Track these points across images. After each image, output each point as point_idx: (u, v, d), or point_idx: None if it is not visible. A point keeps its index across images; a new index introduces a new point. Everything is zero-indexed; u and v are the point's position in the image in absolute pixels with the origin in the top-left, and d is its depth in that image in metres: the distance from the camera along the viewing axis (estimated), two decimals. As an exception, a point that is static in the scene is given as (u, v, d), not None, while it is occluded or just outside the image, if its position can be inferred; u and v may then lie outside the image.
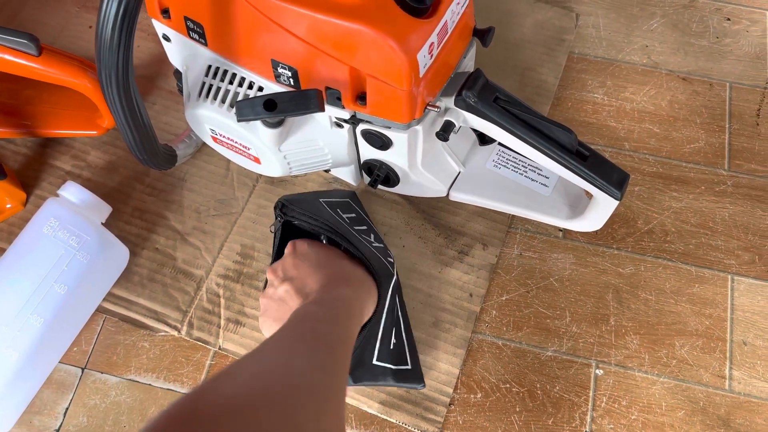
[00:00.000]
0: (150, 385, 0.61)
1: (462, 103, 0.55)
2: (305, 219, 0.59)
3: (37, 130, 0.69)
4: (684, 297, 0.64)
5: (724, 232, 0.67)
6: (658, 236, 0.67)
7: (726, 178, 0.70)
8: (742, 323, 0.63)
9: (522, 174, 0.64)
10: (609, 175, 0.55)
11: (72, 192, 0.61)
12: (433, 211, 0.67)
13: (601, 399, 0.60)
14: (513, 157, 0.65)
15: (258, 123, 0.55)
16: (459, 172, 0.64)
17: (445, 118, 0.55)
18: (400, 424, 0.58)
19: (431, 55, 0.50)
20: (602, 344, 0.62)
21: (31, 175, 0.69)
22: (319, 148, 0.59)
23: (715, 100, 0.75)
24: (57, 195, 0.61)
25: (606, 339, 0.62)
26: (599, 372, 0.61)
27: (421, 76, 0.50)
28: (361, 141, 0.58)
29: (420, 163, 0.60)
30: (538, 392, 0.60)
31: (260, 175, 0.69)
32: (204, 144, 0.70)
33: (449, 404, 0.59)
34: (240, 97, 0.56)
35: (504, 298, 0.64)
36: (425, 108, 0.54)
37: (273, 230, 0.61)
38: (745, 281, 0.65)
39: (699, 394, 0.60)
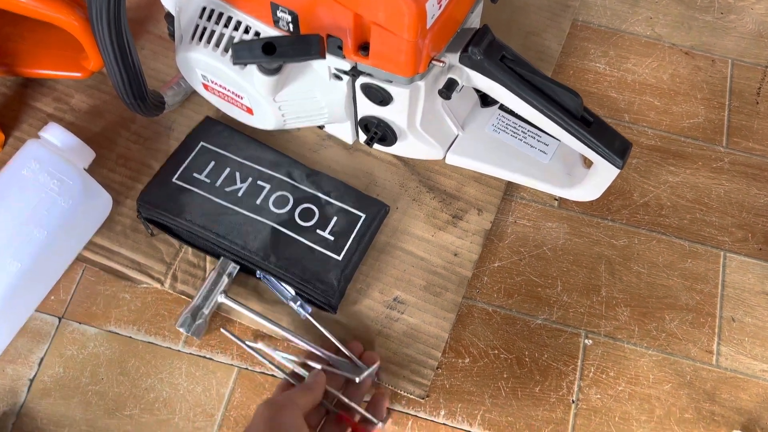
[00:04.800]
0: (130, 337, 0.59)
1: (467, 60, 0.53)
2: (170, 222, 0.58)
3: (18, 69, 0.66)
4: (676, 271, 0.64)
5: (719, 208, 0.67)
6: (654, 210, 0.66)
7: (723, 155, 0.70)
8: (732, 300, 0.63)
9: (521, 140, 0.62)
10: (612, 142, 0.54)
11: (54, 134, 0.58)
12: (428, 174, 0.65)
13: (589, 369, 0.60)
14: (513, 122, 0.63)
15: (253, 70, 0.52)
16: (457, 135, 0.63)
17: (449, 76, 0.53)
18: (386, 386, 0.57)
19: (440, 6, 0.48)
20: (592, 315, 0.62)
21: (10, 116, 0.66)
22: (316, 100, 0.57)
23: (717, 76, 0.74)
24: (38, 137, 0.58)
25: (596, 310, 0.62)
26: (588, 342, 0.61)
27: (428, 27, 0.48)
28: (360, 96, 0.56)
29: (419, 122, 0.58)
30: (527, 359, 0.60)
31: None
32: (193, 92, 0.67)
33: (437, 368, 0.59)
34: (236, 41, 0.54)
35: (496, 265, 0.63)
36: (429, 62, 0.52)
37: (151, 232, 0.61)
38: (737, 258, 0.65)
39: (686, 368, 0.60)
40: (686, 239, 0.65)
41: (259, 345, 0.57)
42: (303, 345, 0.56)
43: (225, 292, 0.58)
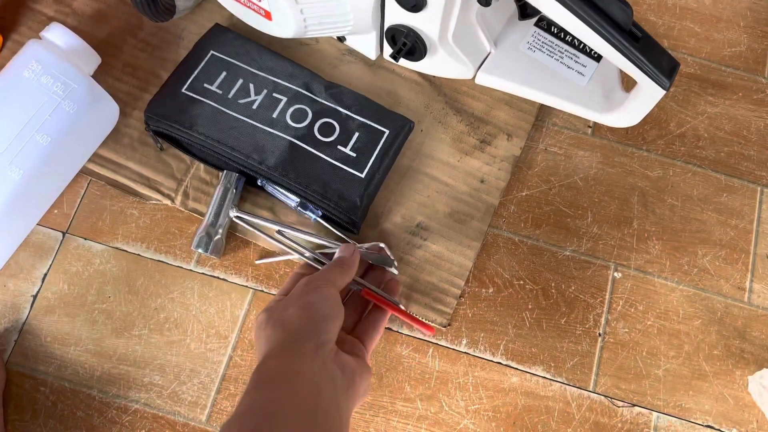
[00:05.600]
0: (139, 255, 0.56)
1: (511, -38, 0.48)
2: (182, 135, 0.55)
3: (15, -34, 0.61)
4: (711, 205, 0.61)
5: (758, 142, 0.64)
6: (690, 141, 0.63)
7: (765, 86, 0.66)
8: (767, 237, 0.60)
9: (558, 60, 0.58)
10: (659, 61, 0.50)
11: (57, 34, 0.53)
12: (456, 95, 0.62)
13: (618, 302, 0.57)
14: (549, 41, 0.59)
15: (277, -35, 0.48)
16: (489, 52, 0.59)
17: (489, -20, 0.49)
18: (409, 311, 0.55)
19: None
20: (623, 247, 0.59)
21: (9, 18, 0.61)
22: (342, 4, 0.52)
23: (761, 3, 0.70)
24: (39, 38, 0.54)
25: (627, 242, 0.59)
26: (617, 275, 0.58)
27: None
28: (389, 1, 0.52)
29: (451, 34, 0.54)
30: (553, 291, 0.57)
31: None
32: (206, -1, 0.62)
33: (459, 297, 0.56)
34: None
35: (524, 194, 0.60)
36: (471, -38, 0.47)
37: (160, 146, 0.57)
38: (775, 194, 0.62)
39: (717, 305, 0.58)
40: (722, 173, 0.62)
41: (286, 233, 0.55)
42: (323, 242, 0.54)
43: (236, 206, 0.55)
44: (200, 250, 0.53)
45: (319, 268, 0.52)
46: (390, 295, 0.52)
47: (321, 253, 0.53)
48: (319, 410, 0.38)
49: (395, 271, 0.55)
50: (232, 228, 0.56)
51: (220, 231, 0.54)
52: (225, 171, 0.55)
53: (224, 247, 0.55)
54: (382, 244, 0.54)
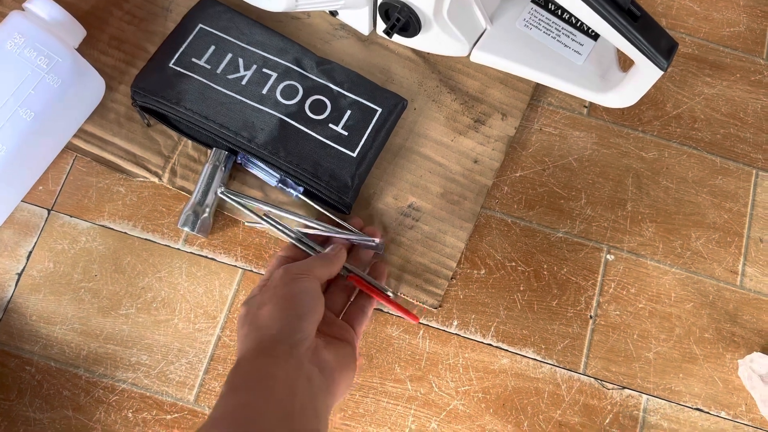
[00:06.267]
0: (125, 233, 0.55)
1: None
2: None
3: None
4: (705, 188, 0.60)
5: (755, 124, 0.63)
6: (686, 122, 0.62)
7: (763, 67, 0.65)
8: (761, 220, 0.60)
9: (554, 38, 0.57)
10: (657, 41, 0.49)
11: (41, 5, 0.52)
12: (450, 73, 0.60)
13: (610, 285, 0.57)
14: (546, 18, 0.58)
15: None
16: (485, 29, 0.57)
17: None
18: (399, 294, 0.54)
19: None
20: (616, 229, 0.59)
21: (-11, -13, 0.59)
22: (334, -22, 0.51)
23: (762, -18, 0.69)
24: (22, 9, 0.52)
25: (621, 224, 0.59)
26: (610, 257, 0.58)
27: None
28: (383, -25, 0.50)
29: (447, 9, 0.53)
30: (545, 273, 0.57)
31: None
32: (194, -30, 0.60)
33: (451, 278, 0.56)
34: None
35: (518, 175, 0.60)
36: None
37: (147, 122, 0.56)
38: (770, 177, 0.61)
39: (709, 288, 0.58)
40: (718, 155, 0.62)
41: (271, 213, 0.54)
42: (309, 224, 0.53)
43: (224, 184, 0.54)
44: (187, 229, 0.52)
45: (303, 249, 0.51)
46: (377, 277, 0.52)
47: (307, 235, 0.52)
48: (295, 413, 0.38)
49: (390, 293, 0.53)
50: (220, 206, 0.55)
51: (208, 210, 0.53)
52: (214, 149, 0.54)
53: (212, 225, 0.54)
54: (377, 240, 0.53)
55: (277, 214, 0.53)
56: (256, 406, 0.37)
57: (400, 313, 0.50)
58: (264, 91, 0.54)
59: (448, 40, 0.56)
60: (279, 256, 0.51)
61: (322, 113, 0.54)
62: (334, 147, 0.53)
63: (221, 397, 0.39)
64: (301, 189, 0.54)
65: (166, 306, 0.54)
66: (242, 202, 0.53)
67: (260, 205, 0.53)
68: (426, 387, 0.53)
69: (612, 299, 0.57)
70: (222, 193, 0.53)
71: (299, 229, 0.53)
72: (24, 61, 0.50)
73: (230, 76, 0.55)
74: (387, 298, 0.50)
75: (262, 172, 0.54)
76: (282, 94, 0.55)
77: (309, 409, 0.39)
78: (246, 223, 0.55)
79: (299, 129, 0.53)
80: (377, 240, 0.53)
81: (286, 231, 0.52)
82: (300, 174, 0.52)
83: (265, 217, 0.53)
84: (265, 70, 0.55)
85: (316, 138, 0.53)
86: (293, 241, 0.52)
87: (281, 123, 0.53)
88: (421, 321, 0.55)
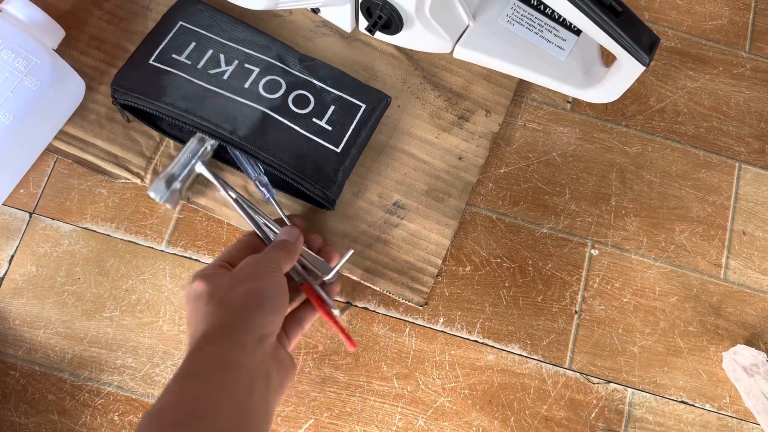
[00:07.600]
0: (108, 235, 0.55)
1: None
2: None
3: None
4: (689, 182, 0.61)
5: (737, 117, 0.63)
6: (669, 116, 0.62)
7: (745, 60, 0.65)
8: (744, 213, 0.60)
9: (537, 33, 0.57)
10: (639, 36, 0.49)
11: (18, 6, 0.51)
12: (434, 70, 0.60)
13: (594, 279, 0.57)
14: (529, 13, 0.58)
15: (246, -65, 0.46)
16: (468, 26, 0.57)
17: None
18: (384, 292, 0.54)
19: None
20: (600, 224, 0.59)
21: (-35, -13, 0.59)
22: (315, -24, 0.51)
23: (744, -25, 0.69)
24: (-2, 10, 0.52)
25: (605, 219, 0.59)
26: (594, 252, 0.58)
27: None
28: (364, -28, 0.50)
29: (429, 6, 0.53)
30: (530, 269, 0.57)
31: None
32: (174, -31, 0.60)
33: (437, 275, 0.56)
34: None
35: (502, 171, 0.60)
36: (447, -67, 0.46)
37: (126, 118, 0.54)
38: (753, 170, 0.62)
39: (693, 281, 0.58)
40: (701, 148, 0.62)
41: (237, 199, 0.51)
42: (269, 224, 0.51)
43: (204, 162, 0.52)
44: (154, 196, 0.50)
45: (262, 238, 0.50)
46: (328, 260, 0.50)
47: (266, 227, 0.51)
48: (248, 413, 0.36)
49: (337, 312, 0.49)
50: (205, 209, 0.55)
51: (180, 183, 0.51)
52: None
53: (180, 201, 0.52)
54: (328, 275, 0.50)
55: (245, 203, 0.52)
56: (209, 400, 0.35)
57: (341, 336, 0.48)
58: (246, 86, 0.54)
59: (430, 37, 0.56)
60: (240, 239, 0.49)
61: (305, 108, 0.54)
62: (317, 141, 0.53)
63: (175, 379, 0.36)
64: (274, 192, 0.53)
65: (151, 308, 0.53)
66: (215, 183, 0.51)
67: (231, 193, 0.52)
68: (413, 384, 0.54)
69: (597, 294, 0.57)
70: (202, 163, 0.51)
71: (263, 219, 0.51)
72: (1, 64, 0.49)
73: (211, 71, 0.54)
74: (332, 317, 0.48)
75: (244, 163, 0.53)
76: (265, 88, 0.54)
77: (262, 411, 0.38)
78: (218, 193, 0.53)
79: (282, 122, 0.53)
80: (328, 276, 0.50)
81: (254, 216, 0.50)
82: (283, 168, 0.52)
83: (236, 198, 0.51)
84: (247, 65, 0.55)
85: (299, 132, 0.53)
86: (256, 230, 0.50)
87: (264, 116, 0.53)
88: (406, 319, 0.55)
